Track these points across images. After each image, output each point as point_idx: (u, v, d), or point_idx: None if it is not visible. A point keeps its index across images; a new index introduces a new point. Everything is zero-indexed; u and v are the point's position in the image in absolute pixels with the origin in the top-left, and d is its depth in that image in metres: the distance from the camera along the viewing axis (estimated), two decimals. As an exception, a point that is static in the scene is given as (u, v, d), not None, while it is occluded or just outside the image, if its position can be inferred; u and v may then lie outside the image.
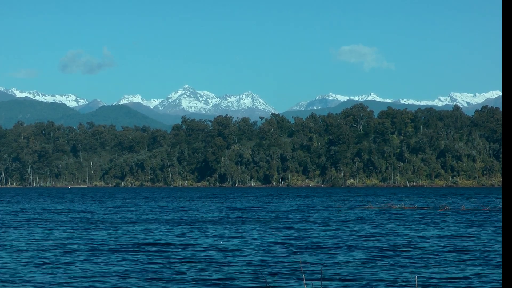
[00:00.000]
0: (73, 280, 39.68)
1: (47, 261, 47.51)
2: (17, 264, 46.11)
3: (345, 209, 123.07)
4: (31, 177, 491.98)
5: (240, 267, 44.04)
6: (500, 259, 47.23)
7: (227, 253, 51.77)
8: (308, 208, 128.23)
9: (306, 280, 38.06)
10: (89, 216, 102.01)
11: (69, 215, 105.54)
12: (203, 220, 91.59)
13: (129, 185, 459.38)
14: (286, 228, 75.43)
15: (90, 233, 70.32)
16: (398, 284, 38.07)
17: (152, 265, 45.31)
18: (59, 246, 56.68)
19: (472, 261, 47.04)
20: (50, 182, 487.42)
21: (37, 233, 70.46)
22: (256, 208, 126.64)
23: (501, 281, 38.35)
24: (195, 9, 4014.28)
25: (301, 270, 41.82)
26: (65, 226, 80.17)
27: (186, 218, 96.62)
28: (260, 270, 42.29)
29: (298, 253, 51.06)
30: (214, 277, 40.58)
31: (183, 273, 42.15)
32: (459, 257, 48.93)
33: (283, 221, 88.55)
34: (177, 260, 47.85)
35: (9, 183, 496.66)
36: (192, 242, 59.96)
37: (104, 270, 43.16)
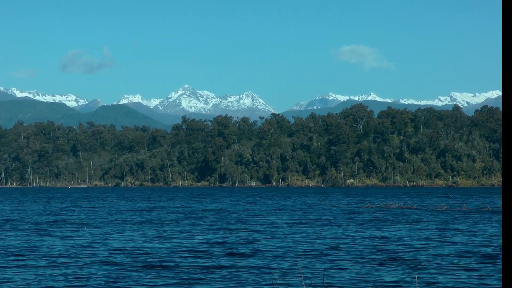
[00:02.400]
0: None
1: None
2: None
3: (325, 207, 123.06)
4: (31, 177, 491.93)
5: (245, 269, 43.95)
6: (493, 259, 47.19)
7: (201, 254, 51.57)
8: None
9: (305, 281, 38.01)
10: None
11: None
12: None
13: (129, 185, 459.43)
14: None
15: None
16: (399, 285, 38.02)
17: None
18: None
19: (463, 261, 47.00)
20: (50, 182, 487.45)
21: None
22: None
23: (498, 283, 38.30)
24: (195, 9, 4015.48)
25: (300, 271, 41.76)
26: None
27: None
28: (271, 271, 42.23)
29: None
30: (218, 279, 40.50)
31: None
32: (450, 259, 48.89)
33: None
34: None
35: (9, 183, 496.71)
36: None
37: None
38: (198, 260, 47.46)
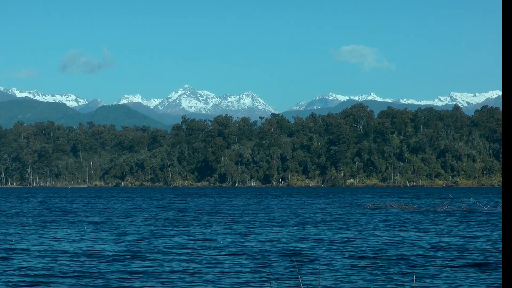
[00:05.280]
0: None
1: None
2: None
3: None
4: (31, 177, 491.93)
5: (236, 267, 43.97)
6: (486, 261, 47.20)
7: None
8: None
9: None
10: None
11: None
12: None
13: (129, 185, 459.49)
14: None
15: None
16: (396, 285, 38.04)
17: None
18: None
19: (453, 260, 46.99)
20: (50, 182, 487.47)
21: None
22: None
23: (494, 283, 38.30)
24: (195, 9, 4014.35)
25: (296, 270, 41.76)
26: None
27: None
28: (269, 271, 42.22)
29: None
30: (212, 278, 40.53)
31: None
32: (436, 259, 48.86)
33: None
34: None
35: (9, 183, 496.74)
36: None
37: None
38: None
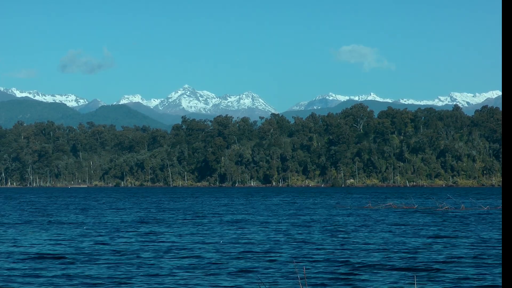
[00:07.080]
0: None
1: None
2: None
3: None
4: (31, 177, 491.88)
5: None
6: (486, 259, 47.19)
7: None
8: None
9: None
10: None
11: None
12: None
13: (129, 185, 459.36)
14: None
15: None
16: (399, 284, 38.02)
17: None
18: None
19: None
20: (50, 182, 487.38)
21: None
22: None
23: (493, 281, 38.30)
24: (195, 9, 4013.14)
25: (295, 270, 41.74)
26: None
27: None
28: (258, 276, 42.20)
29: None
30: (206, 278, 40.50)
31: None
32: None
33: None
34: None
35: (9, 183, 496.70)
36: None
37: None
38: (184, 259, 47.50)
